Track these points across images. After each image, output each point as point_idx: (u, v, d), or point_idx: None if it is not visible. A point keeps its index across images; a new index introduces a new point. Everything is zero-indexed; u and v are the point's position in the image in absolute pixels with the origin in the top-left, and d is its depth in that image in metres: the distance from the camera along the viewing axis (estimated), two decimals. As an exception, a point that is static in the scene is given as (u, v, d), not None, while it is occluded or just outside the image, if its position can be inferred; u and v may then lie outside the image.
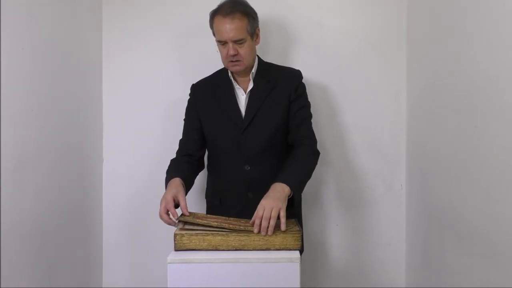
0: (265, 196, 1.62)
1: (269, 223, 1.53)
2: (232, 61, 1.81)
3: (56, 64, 1.92)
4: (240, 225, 1.58)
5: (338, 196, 2.31)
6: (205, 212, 1.99)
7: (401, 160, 2.28)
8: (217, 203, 1.94)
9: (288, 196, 1.65)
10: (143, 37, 2.29)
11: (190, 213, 1.66)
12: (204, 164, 2.01)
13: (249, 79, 1.90)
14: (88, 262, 2.22)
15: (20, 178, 1.67)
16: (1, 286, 1.55)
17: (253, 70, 1.89)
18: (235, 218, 1.69)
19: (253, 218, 1.56)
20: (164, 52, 2.30)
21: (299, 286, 1.45)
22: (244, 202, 1.83)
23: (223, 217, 1.70)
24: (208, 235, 1.52)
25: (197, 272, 1.45)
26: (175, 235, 1.52)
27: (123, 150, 2.32)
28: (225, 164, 1.92)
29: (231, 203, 1.88)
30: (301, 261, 1.46)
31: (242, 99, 1.90)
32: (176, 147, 1.95)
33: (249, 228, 1.56)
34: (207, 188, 2.05)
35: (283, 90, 1.89)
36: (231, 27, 1.76)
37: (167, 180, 1.77)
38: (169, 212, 1.64)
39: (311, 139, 1.89)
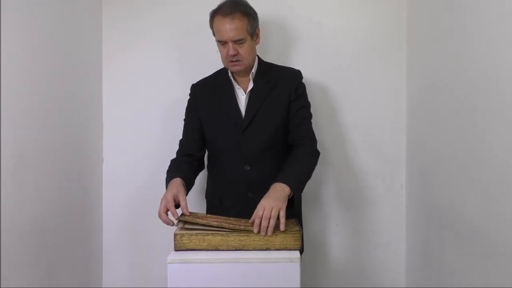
0: (265, 196, 1.62)
1: (269, 223, 1.53)
2: (232, 61, 1.81)
3: (56, 64, 1.92)
4: (240, 225, 1.58)
5: (338, 196, 2.31)
6: (205, 212, 1.99)
7: (401, 160, 2.28)
8: (217, 203, 1.94)
9: (288, 196, 1.65)
10: (143, 37, 2.29)
11: (190, 213, 1.66)
12: (204, 164, 2.01)
13: (249, 79, 1.90)
14: (88, 262, 2.22)
15: (20, 178, 1.67)
16: (1, 286, 1.55)
17: (253, 70, 1.89)
18: (235, 218, 1.69)
19: (252, 218, 1.56)
20: (164, 52, 2.30)
21: (299, 286, 1.45)
22: (244, 202, 1.83)
23: (223, 217, 1.70)
24: (208, 235, 1.52)
25: (197, 272, 1.44)
26: (175, 235, 1.52)
27: (123, 150, 2.32)
28: (225, 164, 1.92)
29: (231, 203, 1.88)
30: (301, 261, 1.46)
31: (242, 99, 1.90)
32: (176, 147, 1.95)
33: (249, 228, 1.56)
34: (207, 188, 2.05)
35: (283, 90, 1.89)
36: (231, 27, 1.76)
37: (168, 180, 1.77)
38: (169, 212, 1.64)
39: (311, 139, 1.89)
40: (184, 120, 1.98)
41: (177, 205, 1.66)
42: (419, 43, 2.11)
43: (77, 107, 2.10)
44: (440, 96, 1.84)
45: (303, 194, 1.94)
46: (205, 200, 2.05)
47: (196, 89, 1.99)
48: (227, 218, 1.69)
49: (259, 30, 1.89)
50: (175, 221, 1.64)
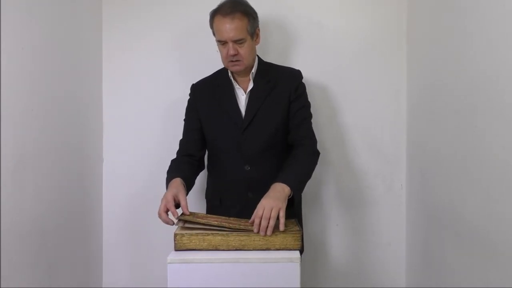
0: (265, 196, 1.62)
1: (268, 222, 1.53)
2: (232, 61, 1.81)
3: (56, 64, 1.92)
4: (240, 225, 1.58)
5: (338, 196, 2.31)
6: (205, 212, 1.99)
7: (401, 160, 2.28)
8: (217, 203, 1.94)
9: (288, 196, 1.65)
10: (143, 37, 2.29)
11: (190, 212, 1.66)
12: (204, 164, 2.01)
13: (249, 79, 1.90)
14: (88, 262, 2.22)
15: (20, 178, 1.67)
16: (1, 286, 1.55)
17: (253, 70, 1.89)
18: (235, 218, 1.69)
19: (252, 217, 1.56)
20: (164, 52, 2.30)
21: (299, 286, 1.45)
22: (244, 202, 1.82)
23: (223, 217, 1.70)
24: (208, 235, 1.52)
25: (197, 272, 1.45)
26: (175, 235, 1.52)
27: (123, 150, 2.32)
28: (225, 164, 1.92)
29: (231, 203, 1.88)
30: (301, 261, 1.46)
31: (242, 99, 1.90)
32: (176, 147, 1.95)
33: (249, 227, 1.56)
34: (207, 188, 2.05)
35: (283, 90, 1.89)
36: (231, 27, 1.76)
37: (168, 181, 1.77)
38: (169, 212, 1.64)
39: (311, 139, 1.89)
40: (184, 120, 1.98)
41: (177, 205, 1.66)
42: (419, 43, 2.11)
43: (77, 107, 2.10)
44: (440, 96, 1.84)
45: (303, 194, 1.94)
46: (205, 200, 2.05)
47: (196, 89, 1.99)
48: (227, 218, 1.69)
49: (259, 30, 1.89)
50: (175, 221, 1.64)
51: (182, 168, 1.85)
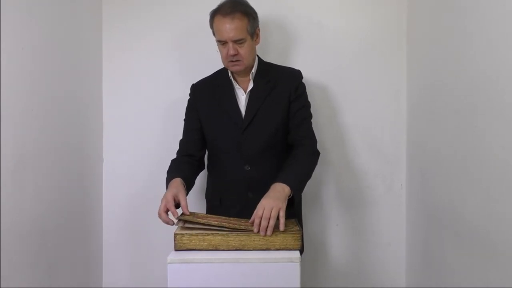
0: (265, 195, 1.61)
1: (268, 222, 1.53)
2: (232, 61, 1.81)
3: (56, 64, 1.92)
4: (240, 225, 1.58)
5: (338, 196, 2.31)
6: (205, 212, 1.99)
7: (401, 160, 2.28)
8: (217, 203, 1.94)
9: (288, 196, 1.65)
10: (143, 37, 2.29)
11: (190, 212, 1.66)
12: (204, 164, 2.01)
13: (249, 79, 1.90)
14: (88, 262, 2.22)
15: (20, 178, 1.67)
16: (1, 286, 1.55)
17: (253, 70, 1.89)
18: (235, 218, 1.69)
19: (252, 217, 1.56)
20: (164, 52, 2.30)
21: (299, 286, 1.45)
22: (244, 202, 1.82)
23: (223, 217, 1.70)
24: (208, 235, 1.52)
25: (197, 272, 1.45)
26: (175, 235, 1.52)
27: (123, 150, 2.32)
28: (225, 164, 1.92)
29: (231, 203, 1.88)
30: (301, 261, 1.46)
31: (242, 99, 1.90)
32: (176, 147, 1.95)
33: (249, 227, 1.56)
34: (207, 188, 2.05)
35: (283, 90, 1.89)
36: (231, 27, 1.76)
37: (168, 181, 1.77)
38: (169, 212, 1.64)
39: (311, 139, 1.89)
40: (184, 120, 1.98)
41: (177, 205, 1.66)
42: (419, 43, 2.11)
43: (77, 107, 2.10)
44: (440, 96, 1.84)
45: (303, 194, 1.94)
46: (205, 200, 2.05)
47: (196, 89, 1.99)
48: (227, 218, 1.69)
49: (259, 30, 1.89)
50: (175, 221, 1.64)
51: (182, 168, 1.85)
